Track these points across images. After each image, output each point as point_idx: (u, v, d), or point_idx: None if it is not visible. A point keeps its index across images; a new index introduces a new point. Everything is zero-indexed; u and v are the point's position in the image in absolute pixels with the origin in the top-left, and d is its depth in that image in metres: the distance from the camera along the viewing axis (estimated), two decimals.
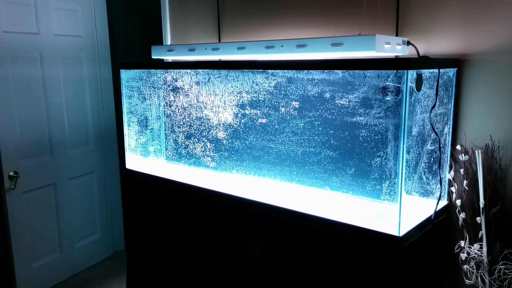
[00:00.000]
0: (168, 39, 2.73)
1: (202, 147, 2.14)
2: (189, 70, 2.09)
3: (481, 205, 1.56)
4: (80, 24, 2.94)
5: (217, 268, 2.01)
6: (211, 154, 2.11)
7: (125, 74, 2.36)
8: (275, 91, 1.81)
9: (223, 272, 1.99)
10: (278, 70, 1.77)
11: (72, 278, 2.99)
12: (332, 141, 1.69)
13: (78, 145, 2.98)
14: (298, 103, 1.75)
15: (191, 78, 2.11)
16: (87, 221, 3.12)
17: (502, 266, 1.52)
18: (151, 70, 2.26)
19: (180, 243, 2.17)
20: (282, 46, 1.71)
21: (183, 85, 2.16)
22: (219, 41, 2.48)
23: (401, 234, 1.43)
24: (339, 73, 1.61)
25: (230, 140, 2.02)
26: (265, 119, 1.87)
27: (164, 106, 2.29)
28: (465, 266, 1.61)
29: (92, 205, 3.14)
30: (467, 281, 1.61)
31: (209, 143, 2.10)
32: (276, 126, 1.84)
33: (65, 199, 2.92)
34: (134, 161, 2.43)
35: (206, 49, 1.97)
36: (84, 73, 3.00)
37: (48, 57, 2.73)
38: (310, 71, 1.68)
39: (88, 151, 3.07)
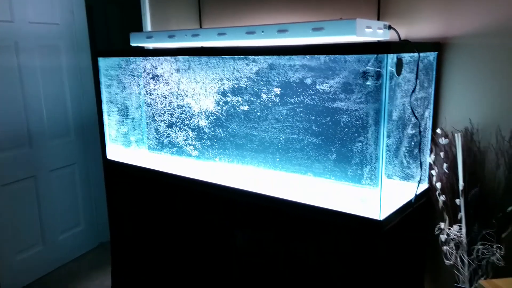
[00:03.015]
0: (148, 26, 2.68)
1: (184, 135, 2.12)
2: (169, 57, 2.06)
3: (461, 188, 1.58)
4: (57, 11, 2.86)
5: (201, 257, 2.02)
6: (194, 142, 2.09)
7: (103, 63, 2.31)
8: (256, 77, 1.80)
9: (207, 261, 1.99)
10: (259, 56, 1.75)
11: (56, 270, 2.96)
12: (314, 127, 1.69)
13: (58, 136, 2.93)
14: (279, 89, 1.74)
15: (171, 66, 2.08)
16: (70, 213, 3.08)
17: (480, 247, 1.55)
18: (130, 58, 2.22)
19: (165, 233, 2.16)
20: (263, 32, 1.69)
21: (163, 73, 2.12)
22: (200, 27, 2.45)
23: (382, 218, 1.45)
24: (320, 58, 1.60)
25: (212, 128, 2.00)
26: (247, 106, 1.86)
27: (144, 94, 2.26)
28: (445, 247, 1.64)
29: (75, 196, 3.10)
30: (446, 262, 1.64)
31: (191, 132, 2.09)
32: (258, 113, 1.83)
33: (47, 192, 2.87)
34: (116, 152, 2.40)
35: (186, 35, 1.94)
36: (63, 62, 2.93)
37: (23, 46, 2.66)
38: (291, 56, 1.67)
39: (69, 142, 3.02)
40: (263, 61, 1.76)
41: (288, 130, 1.76)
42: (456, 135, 1.59)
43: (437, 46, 1.68)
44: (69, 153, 3.02)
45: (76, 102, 3.04)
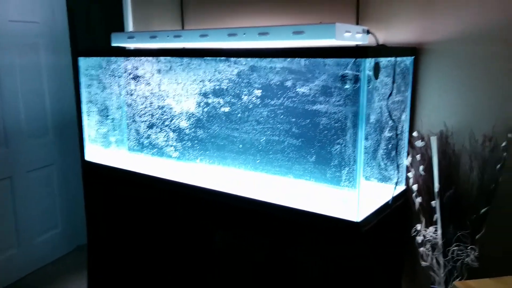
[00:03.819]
0: (130, 26, 2.67)
1: (165, 136, 2.11)
2: (150, 58, 2.05)
3: (436, 190, 1.62)
4: (37, 9, 2.83)
5: (181, 260, 2.00)
6: (175, 143, 2.08)
7: (83, 62, 2.29)
8: (238, 79, 1.81)
9: (187, 263, 1.98)
10: (241, 58, 1.76)
11: (32, 274, 2.89)
12: (294, 129, 1.70)
13: (36, 136, 2.87)
14: (260, 91, 1.76)
15: (153, 66, 2.07)
16: (48, 215, 3.02)
17: (455, 248, 1.58)
18: (111, 58, 2.20)
19: (144, 236, 2.14)
20: (244, 34, 1.71)
21: (145, 74, 2.12)
22: (183, 28, 2.45)
23: (359, 220, 1.47)
24: (301, 61, 1.62)
25: (193, 130, 2.00)
26: (228, 108, 1.87)
27: (125, 95, 2.25)
28: (421, 249, 1.67)
29: (53, 198, 3.05)
30: (423, 263, 1.67)
31: (172, 133, 2.08)
32: (240, 115, 1.84)
33: (23, 193, 2.82)
34: (95, 152, 2.37)
35: (168, 36, 1.94)
36: (42, 61, 2.89)
37: (3, 44, 2.61)
38: (272, 59, 1.69)
39: (48, 142, 2.97)
40: (245, 63, 1.77)
41: (269, 132, 1.77)
42: (431, 138, 1.62)
43: (414, 51, 1.72)
44: (47, 154, 2.97)
45: (55, 101, 3.00)
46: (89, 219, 2.44)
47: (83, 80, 2.32)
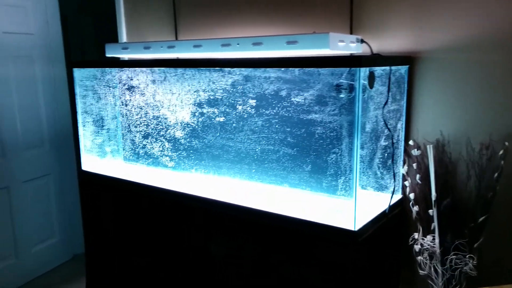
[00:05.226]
0: (123, 37, 2.66)
1: (160, 146, 2.10)
2: (144, 69, 2.04)
3: (433, 198, 1.61)
4: (31, 21, 2.82)
5: (178, 268, 1.99)
6: (170, 153, 2.08)
7: (78, 73, 2.28)
8: (232, 89, 1.80)
9: (184, 272, 1.97)
10: (235, 68, 1.76)
11: (29, 283, 2.88)
12: (289, 139, 1.70)
13: (32, 147, 2.87)
14: (255, 101, 1.75)
15: (147, 77, 2.06)
16: (44, 225, 3.01)
17: (453, 257, 1.57)
18: (106, 68, 2.19)
19: (140, 244, 2.13)
20: (238, 44, 1.70)
21: (139, 84, 2.11)
22: (176, 39, 2.44)
23: (356, 228, 1.46)
24: (295, 70, 1.62)
25: (188, 139, 2.00)
26: (223, 118, 1.86)
27: (120, 105, 2.24)
28: (419, 257, 1.66)
29: (49, 208, 3.04)
30: (421, 272, 1.66)
31: (167, 143, 2.07)
32: (234, 125, 1.83)
33: (20, 203, 2.80)
34: (91, 162, 2.36)
35: (161, 47, 1.93)
36: (37, 72, 2.88)
37: None
38: (266, 69, 1.68)
39: (44, 153, 2.96)
40: (239, 73, 1.76)
41: (264, 141, 1.76)
42: (428, 146, 1.61)
43: (408, 59, 1.71)
44: (44, 164, 2.96)
45: (51, 112, 2.99)
46: (86, 228, 2.44)
47: (78, 91, 2.31)
